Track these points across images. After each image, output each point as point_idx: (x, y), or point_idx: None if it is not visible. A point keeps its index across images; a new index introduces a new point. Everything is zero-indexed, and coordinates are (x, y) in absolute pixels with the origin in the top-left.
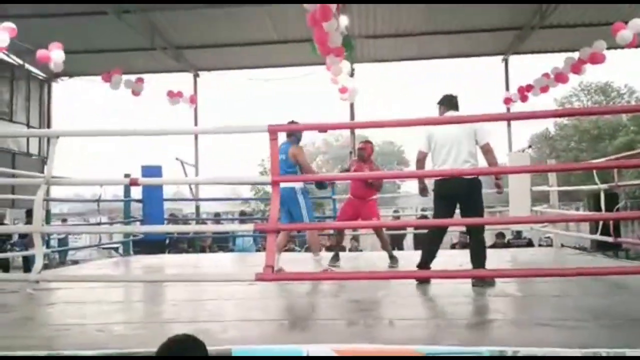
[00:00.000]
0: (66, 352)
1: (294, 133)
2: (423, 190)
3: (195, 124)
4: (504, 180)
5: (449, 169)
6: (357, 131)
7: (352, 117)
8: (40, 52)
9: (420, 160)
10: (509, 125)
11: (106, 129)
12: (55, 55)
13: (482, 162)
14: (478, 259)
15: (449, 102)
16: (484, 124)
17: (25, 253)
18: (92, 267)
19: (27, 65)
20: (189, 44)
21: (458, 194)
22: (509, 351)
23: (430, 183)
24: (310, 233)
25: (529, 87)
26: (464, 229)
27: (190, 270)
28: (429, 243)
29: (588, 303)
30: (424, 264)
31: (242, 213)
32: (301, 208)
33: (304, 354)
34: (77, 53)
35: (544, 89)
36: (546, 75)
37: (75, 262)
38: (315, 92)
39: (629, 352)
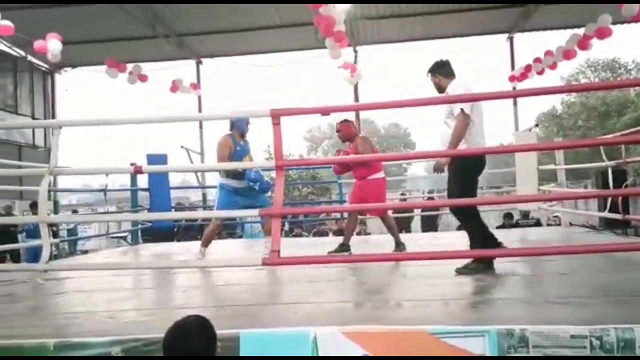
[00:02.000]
0: (75, 339)
1: (234, 124)
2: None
3: (200, 112)
4: (512, 158)
5: (483, 143)
6: (362, 115)
7: (357, 99)
8: (38, 43)
9: (468, 126)
10: (515, 104)
11: (108, 117)
12: (52, 45)
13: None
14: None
15: (444, 68)
16: None
17: (31, 244)
18: (101, 256)
19: (29, 57)
20: (190, 31)
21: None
22: (517, 329)
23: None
24: (209, 227)
25: (538, 60)
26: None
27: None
28: (481, 225)
29: (596, 280)
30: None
31: None
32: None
33: (312, 337)
34: (79, 43)
35: (553, 66)
36: (549, 52)
37: (85, 252)
38: (321, 76)
39: (636, 328)
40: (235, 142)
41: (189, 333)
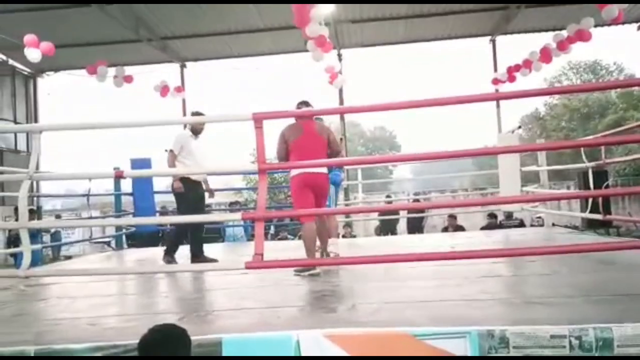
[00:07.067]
0: (56, 346)
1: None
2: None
3: (184, 115)
4: (496, 160)
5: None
6: (348, 117)
7: (341, 102)
8: (29, 37)
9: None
10: (498, 106)
11: (90, 121)
12: (32, 54)
13: None
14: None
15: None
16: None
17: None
18: (84, 262)
19: (11, 61)
20: (174, 35)
21: None
22: (497, 330)
23: None
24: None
25: (517, 67)
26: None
27: (182, 261)
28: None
29: (577, 280)
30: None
31: (234, 203)
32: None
33: (295, 340)
34: (60, 47)
35: (530, 67)
36: (533, 54)
37: (69, 258)
38: (306, 79)
39: (615, 327)
40: None
41: (171, 338)
